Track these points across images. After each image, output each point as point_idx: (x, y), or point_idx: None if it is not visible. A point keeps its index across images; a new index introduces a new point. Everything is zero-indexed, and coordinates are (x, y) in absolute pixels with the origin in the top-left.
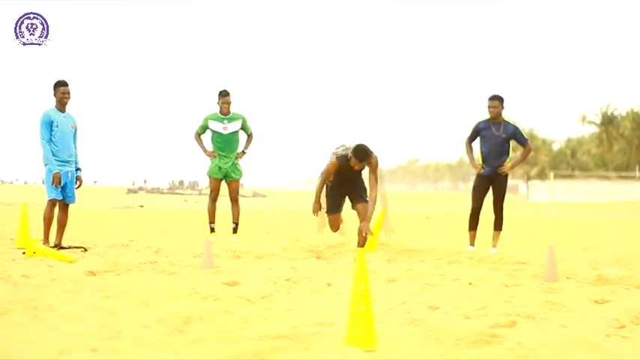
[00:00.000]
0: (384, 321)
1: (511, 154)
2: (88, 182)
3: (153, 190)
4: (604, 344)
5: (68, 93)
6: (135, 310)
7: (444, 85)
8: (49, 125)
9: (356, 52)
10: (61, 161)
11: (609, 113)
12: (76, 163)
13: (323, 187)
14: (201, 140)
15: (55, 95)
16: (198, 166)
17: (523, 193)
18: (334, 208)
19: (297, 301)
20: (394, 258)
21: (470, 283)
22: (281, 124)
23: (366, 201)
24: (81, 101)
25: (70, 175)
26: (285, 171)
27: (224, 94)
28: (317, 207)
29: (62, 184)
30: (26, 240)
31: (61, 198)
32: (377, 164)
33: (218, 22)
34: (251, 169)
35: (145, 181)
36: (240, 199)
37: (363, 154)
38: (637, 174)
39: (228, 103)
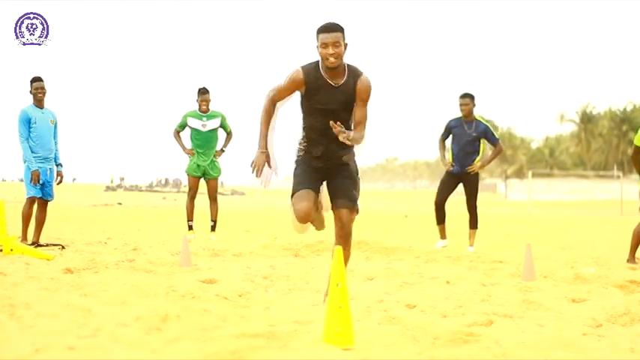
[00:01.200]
0: (362, 319)
1: (482, 152)
2: (67, 179)
3: (131, 188)
4: (580, 343)
5: (41, 88)
6: (112, 309)
7: (422, 83)
8: (27, 122)
9: None
10: (41, 158)
11: (588, 112)
12: (56, 159)
13: (270, 116)
14: (180, 138)
15: (30, 92)
16: (178, 164)
17: (501, 191)
18: (303, 184)
19: (275, 299)
20: (372, 256)
21: (447, 282)
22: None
23: (353, 205)
24: (61, 97)
25: (49, 172)
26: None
27: (203, 92)
28: (263, 158)
29: (42, 181)
30: (4, 237)
31: (40, 195)
32: (369, 88)
33: (199, 20)
34: (230, 166)
35: (121, 179)
36: (219, 197)
37: (331, 24)
38: (615, 173)
39: (207, 101)
